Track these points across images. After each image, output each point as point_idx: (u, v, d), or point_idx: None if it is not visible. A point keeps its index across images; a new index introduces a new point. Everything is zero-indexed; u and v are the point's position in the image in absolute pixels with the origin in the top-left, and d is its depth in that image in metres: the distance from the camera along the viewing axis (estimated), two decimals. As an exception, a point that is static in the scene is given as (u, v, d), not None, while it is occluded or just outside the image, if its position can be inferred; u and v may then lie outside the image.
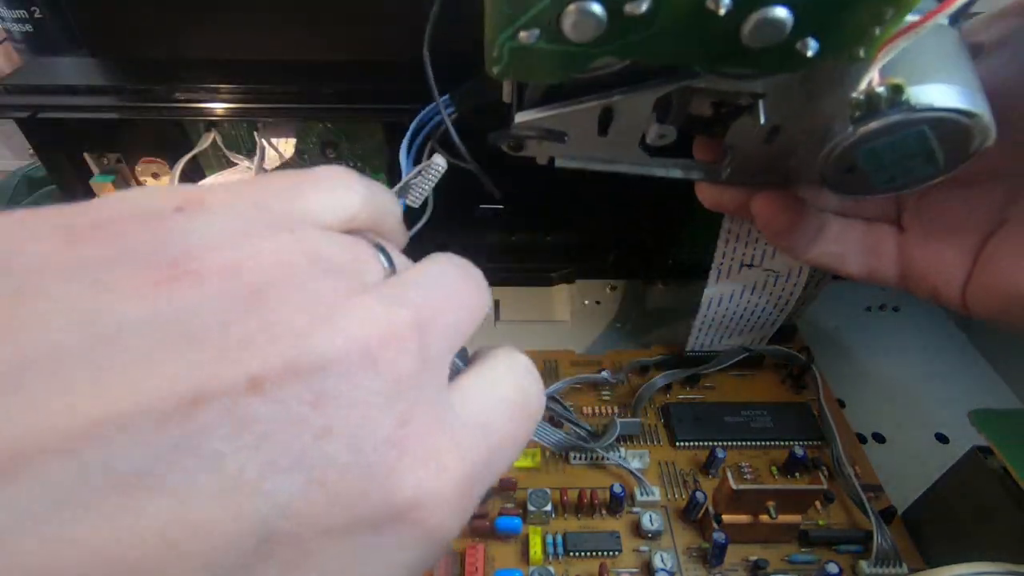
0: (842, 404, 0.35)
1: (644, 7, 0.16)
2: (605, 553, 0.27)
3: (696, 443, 0.31)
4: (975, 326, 0.41)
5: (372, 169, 0.32)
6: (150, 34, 0.30)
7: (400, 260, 0.15)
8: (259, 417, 0.10)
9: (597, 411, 0.33)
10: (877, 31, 0.16)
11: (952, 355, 0.40)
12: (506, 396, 0.15)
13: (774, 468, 0.31)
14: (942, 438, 0.34)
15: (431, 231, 0.26)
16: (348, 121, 0.30)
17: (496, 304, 0.40)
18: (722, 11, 0.16)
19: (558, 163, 0.24)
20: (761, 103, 0.22)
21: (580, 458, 0.30)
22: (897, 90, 0.16)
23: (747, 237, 0.28)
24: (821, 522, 0.28)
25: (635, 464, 0.30)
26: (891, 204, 0.26)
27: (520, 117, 0.22)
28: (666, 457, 0.31)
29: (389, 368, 0.12)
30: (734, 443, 0.31)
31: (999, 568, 0.20)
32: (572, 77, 0.19)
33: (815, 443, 0.31)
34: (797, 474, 0.30)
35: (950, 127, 0.18)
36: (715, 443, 0.31)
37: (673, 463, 0.31)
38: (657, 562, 0.26)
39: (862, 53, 0.16)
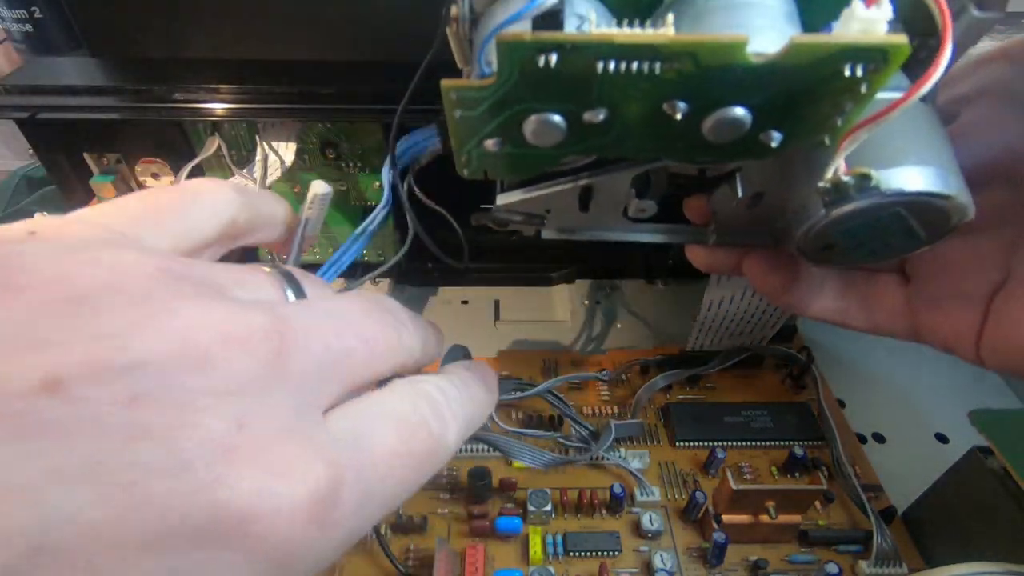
0: (842, 404, 0.35)
1: (601, 116, 0.16)
2: (605, 553, 0.27)
3: (696, 443, 0.31)
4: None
5: (372, 169, 0.32)
6: (150, 34, 0.30)
7: (315, 291, 0.15)
8: (51, 420, 0.09)
9: (597, 411, 0.33)
10: (839, 121, 0.16)
11: (952, 355, 0.40)
12: (394, 414, 0.14)
13: (774, 468, 0.31)
14: (942, 438, 0.34)
15: (434, 231, 0.26)
16: (348, 121, 0.30)
17: (496, 304, 0.40)
18: (679, 116, 0.16)
19: (544, 235, 0.24)
20: (738, 176, 0.22)
21: (580, 458, 0.30)
22: (864, 178, 0.16)
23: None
24: (821, 522, 0.28)
25: (635, 464, 0.30)
26: None
27: (501, 199, 0.22)
28: (666, 457, 0.31)
29: (224, 368, 0.11)
30: (734, 443, 0.31)
31: (999, 568, 0.20)
32: (544, 171, 0.20)
33: (815, 443, 0.31)
34: (797, 474, 0.30)
35: (924, 208, 0.17)
36: (715, 443, 0.31)
37: (673, 463, 0.31)
38: (657, 562, 0.26)
39: (827, 140, 0.16)
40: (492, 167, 0.19)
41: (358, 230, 0.23)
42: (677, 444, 0.31)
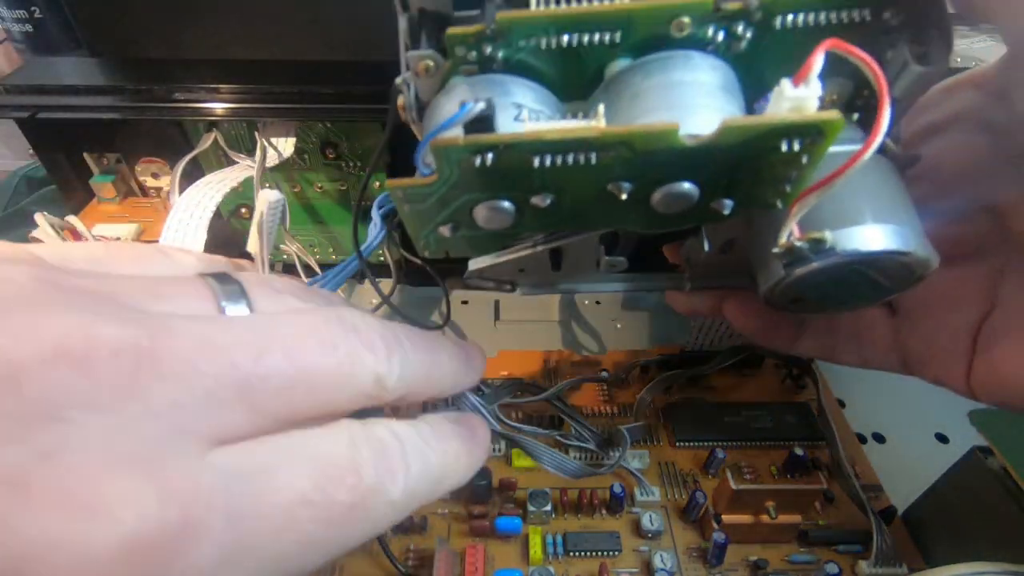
0: (842, 404, 0.35)
1: (548, 201, 0.16)
2: (605, 553, 0.27)
3: (696, 443, 0.31)
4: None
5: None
6: (150, 34, 0.30)
7: (267, 304, 0.14)
8: None
9: (597, 411, 0.33)
10: (787, 188, 0.16)
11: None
12: (320, 455, 0.12)
13: (774, 468, 0.31)
14: (942, 438, 0.34)
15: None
16: (348, 121, 0.30)
17: (496, 304, 0.40)
18: (624, 196, 0.16)
19: (520, 293, 0.24)
20: (704, 230, 0.22)
21: (580, 458, 0.30)
22: (818, 242, 0.16)
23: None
24: (821, 522, 0.28)
25: (635, 464, 0.30)
26: None
27: (473, 264, 0.22)
28: (666, 457, 0.31)
29: (37, 387, 0.09)
30: (734, 443, 0.31)
31: (999, 568, 0.20)
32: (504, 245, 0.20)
33: (815, 443, 0.31)
34: (797, 474, 0.30)
35: (885, 263, 0.17)
36: (715, 443, 0.31)
37: (673, 463, 0.31)
38: (657, 562, 0.26)
39: (779, 204, 0.16)
40: (451, 248, 0.19)
41: (354, 255, 0.23)
42: (677, 444, 0.31)
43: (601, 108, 0.15)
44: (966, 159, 0.21)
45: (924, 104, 0.22)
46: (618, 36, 0.16)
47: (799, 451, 0.29)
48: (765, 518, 0.26)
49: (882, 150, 0.18)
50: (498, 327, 0.39)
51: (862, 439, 0.34)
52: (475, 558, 0.26)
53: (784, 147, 0.14)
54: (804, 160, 0.15)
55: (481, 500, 0.29)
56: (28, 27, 0.35)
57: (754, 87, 0.17)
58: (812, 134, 0.14)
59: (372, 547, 0.27)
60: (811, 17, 0.15)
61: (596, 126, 0.14)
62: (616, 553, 0.27)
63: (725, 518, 0.27)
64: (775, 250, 0.17)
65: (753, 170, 0.15)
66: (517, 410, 0.33)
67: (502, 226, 0.17)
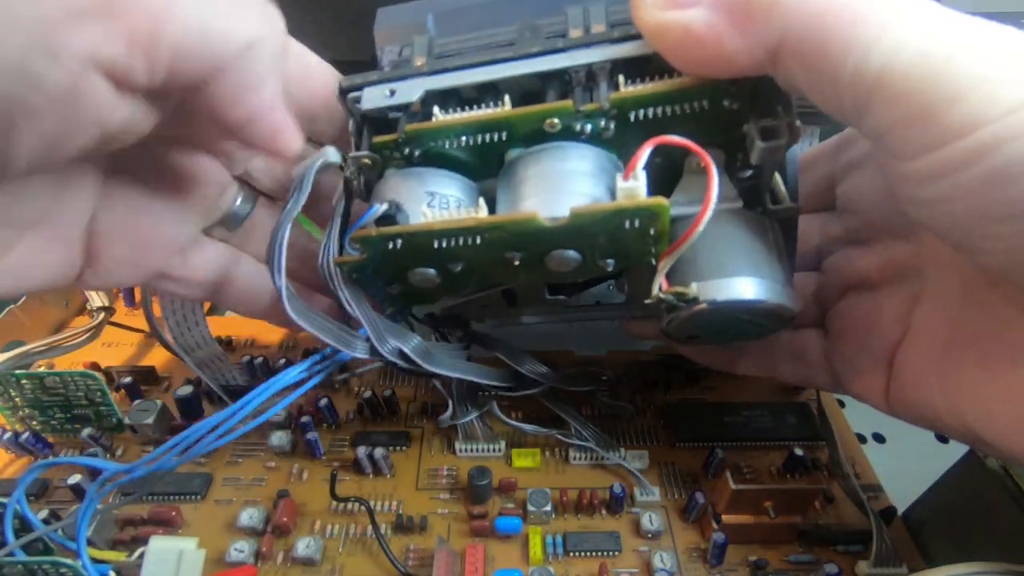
0: (842, 404, 0.35)
1: (460, 267, 0.20)
2: (605, 553, 0.27)
3: (696, 443, 0.31)
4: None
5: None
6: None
7: None
8: None
9: (597, 411, 0.33)
10: (652, 249, 0.19)
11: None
12: None
13: (774, 468, 0.31)
14: (942, 438, 0.34)
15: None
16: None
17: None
18: (517, 263, 0.19)
19: (490, 327, 0.28)
20: (614, 283, 0.26)
21: (580, 458, 0.30)
22: (682, 295, 0.19)
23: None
24: (821, 522, 0.28)
25: (635, 464, 0.30)
26: (814, 308, 0.26)
27: (438, 308, 0.27)
28: (666, 457, 0.31)
29: None
30: (734, 443, 0.31)
31: (999, 568, 0.20)
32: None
33: (815, 443, 0.31)
34: (797, 474, 0.30)
35: (751, 308, 0.19)
36: (715, 443, 0.31)
37: (673, 463, 0.31)
38: (657, 562, 0.26)
39: (653, 261, 0.19)
40: (407, 300, 0.24)
41: None
42: (677, 444, 0.31)
43: (481, 200, 0.19)
44: (875, 194, 0.22)
45: (847, 141, 0.24)
46: (505, 135, 0.19)
47: (799, 451, 0.29)
48: (765, 518, 0.27)
49: (757, 205, 0.20)
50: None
51: (862, 439, 0.34)
52: (475, 558, 0.26)
53: (627, 225, 0.18)
54: (652, 232, 0.18)
55: (481, 500, 0.29)
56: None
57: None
58: (647, 215, 0.17)
59: (372, 547, 0.27)
60: (658, 111, 0.18)
61: (474, 216, 0.18)
62: (616, 553, 0.27)
63: (725, 518, 0.27)
64: (647, 301, 0.20)
65: (616, 240, 0.18)
66: (517, 410, 0.33)
67: (433, 286, 0.21)
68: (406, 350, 0.23)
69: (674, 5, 0.16)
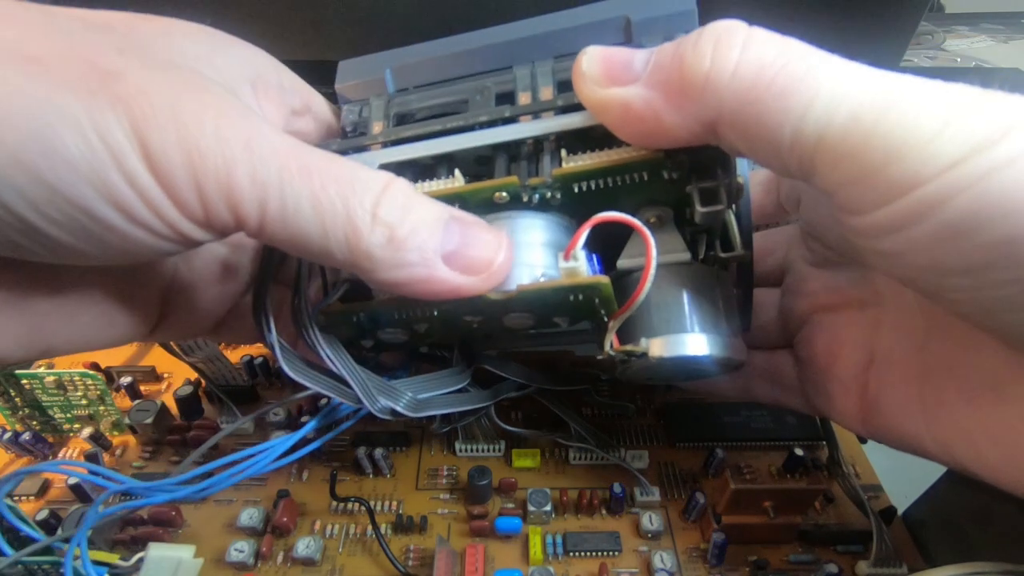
0: (842, 404, 0.35)
1: (424, 328, 0.22)
2: (605, 553, 0.27)
3: (696, 443, 0.31)
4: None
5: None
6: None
7: None
8: None
9: (597, 411, 0.33)
10: (602, 311, 0.20)
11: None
12: None
13: (774, 468, 0.31)
14: (942, 438, 0.34)
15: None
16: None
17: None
18: (475, 325, 0.21)
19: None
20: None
21: (580, 458, 0.30)
22: (631, 352, 0.20)
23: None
24: (821, 522, 0.28)
25: (635, 464, 0.30)
26: (782, 332, 0.26)
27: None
28: (666, 457, 0.31)
29: None
30: (734, 443, 0.31)
31: (999, 568, 0.20)
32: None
33: (815, 443, 0.31)
34: (797, 474, 0.30)
35: (695, 362, 0.20)
36: (715, 443, 0.31)
37: (673, 463, 0.31)
38: (657, 562, 0.26)
39: (604, 319, 0.20)
40: (381, 351, 0.26)
41: None
42: (677, 444, 0.31)
43: None
44: (831, 220, 0.22)
45: (765, 190, 0.25)
46: (457, 206, 0.19)
47: (799, 451, 0.29)
48: (765, 518, 0.26)
49: (707, 259, 0.21)
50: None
51: (862, 439, 0.34)
52: (475, 558, 0.26)
53: (572, 298, 0.19)
54: (596, 302, 0.19)
55: (481, 500, 0.29)
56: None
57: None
58: (589, 290, 0.18)
59: (372, 547, 0.27)
60: (600, 183, 0.19)
61: None
62: (616, 553, 0.27)
63: (725, 518, 0.27)
64: (599, 357, 0.21)
65: (564, 309, 0.20)
66: (517, 410, 0.33)
67: (402, 341, 0.22)
68: (398, 408, 0.23)
69: (612, 82, 0.17)
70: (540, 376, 0.30)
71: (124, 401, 0.33)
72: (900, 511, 0.29)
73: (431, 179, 0.20)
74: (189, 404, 0.32)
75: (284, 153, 0.15)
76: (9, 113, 0.13)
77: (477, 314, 0.20)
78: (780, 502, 0.26)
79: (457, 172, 0.20)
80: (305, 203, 0.15)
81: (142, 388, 0.34)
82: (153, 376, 0.35)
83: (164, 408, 0.31)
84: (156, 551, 0.25)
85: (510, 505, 0.29)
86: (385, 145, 0.21)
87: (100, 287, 0.19)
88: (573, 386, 0.31)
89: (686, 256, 0.21)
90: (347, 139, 0.21)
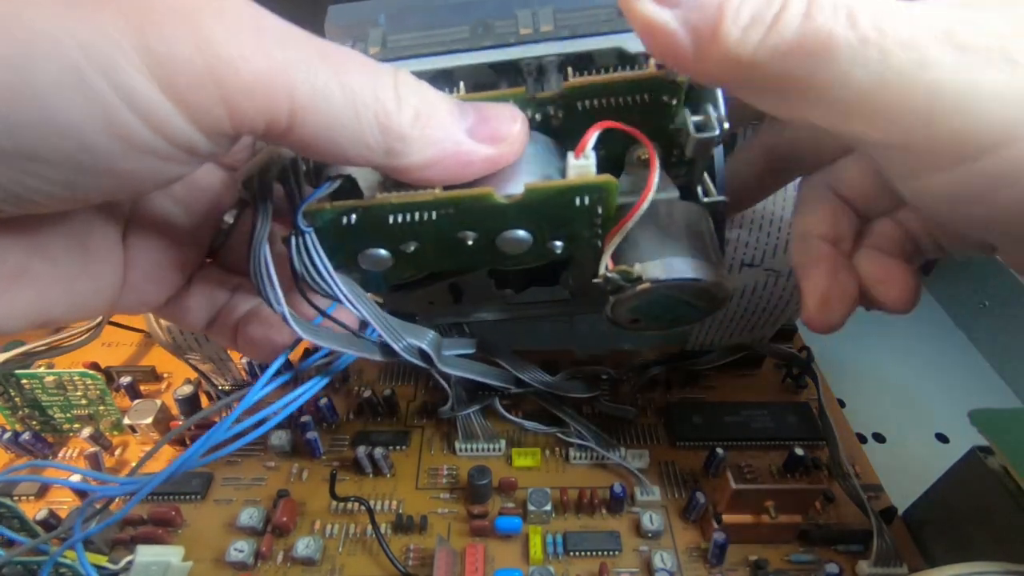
0: (842, 404, 0.35)
1: (413, 247, 0.20)
2: (605, 553, 0.27)
3: (696, 443, 0.31)
4: (975, 326, 0.41)
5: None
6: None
7: None
8: None
9: (597, 411, 0.33)
10: (599, 231, 0.20)
11: (952, 355, 0.40)
12: None
13: (774, 468, 0.31)
14: (942, 438, 0.34)
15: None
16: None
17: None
18: (470, 241, 0.20)
19: (436, 320, 0.28)
20: (566, 270, 0.26)
21: (580, 458, 0.30)
22: (626, 273, 0.20)
23: (747, 237, 0.28)
24: (821, 522, 0.28)
25: (635, 464, 0.30)
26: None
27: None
28: (666, 457, 0.31)
29: None
30: (734, 443, 0.31)
31: (999, 568, 0.20)
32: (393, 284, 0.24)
33: (815, 443, 0.31)
34: (797, 474, 0.30)
35: (688, 288, 0.20)
36: (715, 443, 0.31)
37: (673, 463, 0.31)
38: (657, 562, 0.26)
39: (599, 243, 0.20)
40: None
41: None
42: (677, 444, 0.31)
43: None
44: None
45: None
46: None
47: (799, 451, 0.29)
48: (765, 518, 0.26)
49: (692, 197, 0.21)
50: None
51: (862, 439, 0.34)
52: (475, 558, 0.26)
53: (578, 202, 0.18)
54: (599, 210, 0.19)
55: (481, 500, 0.29)
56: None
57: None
58: (597, 191, 0.18)
59: (372, 547, 0.27)
60: (604, 100, 0.19)
61: (432, 191, 0.18)
62: (616, 553, 0.27)
63: (725, 518, 0.27)
64: (595, 280, 0.20)
65: (565, 219, 0.19)
66: (517, 409, 0.33)
67: (383, 268, 0.20)
68: (424, 346, 0.23)
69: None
70: (553, 382, 0.30)
71: (124, 401, 0.33)
72: (900, 511, 0.29)
73: None
74: (189, 404, 0.32)
75: (303, 40, 0.14)
76: None
77: (474, 227, 0.19)
78: (780, 502, 0.26)
79: (461, 84, 0.20)
80: (335, 88, 0.14)
81: (142, 388, 0.34)
82: (153, 376, 0.35)
83: (164, 408, 0.31)
84: (144, 556, 0.25)
85: (510, 505, 0.29)
86: (383, 60, 0.19)
87: (65, 234, 0.18)
88: (580, 394, 0.31)
89: (675, 193, 0.21)
90: None
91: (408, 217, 0.19)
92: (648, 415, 0.33)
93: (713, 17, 0.14)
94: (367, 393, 0.32)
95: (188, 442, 0.31)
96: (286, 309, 0.19)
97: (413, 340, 0.22)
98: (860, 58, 0.13)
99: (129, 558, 0.25)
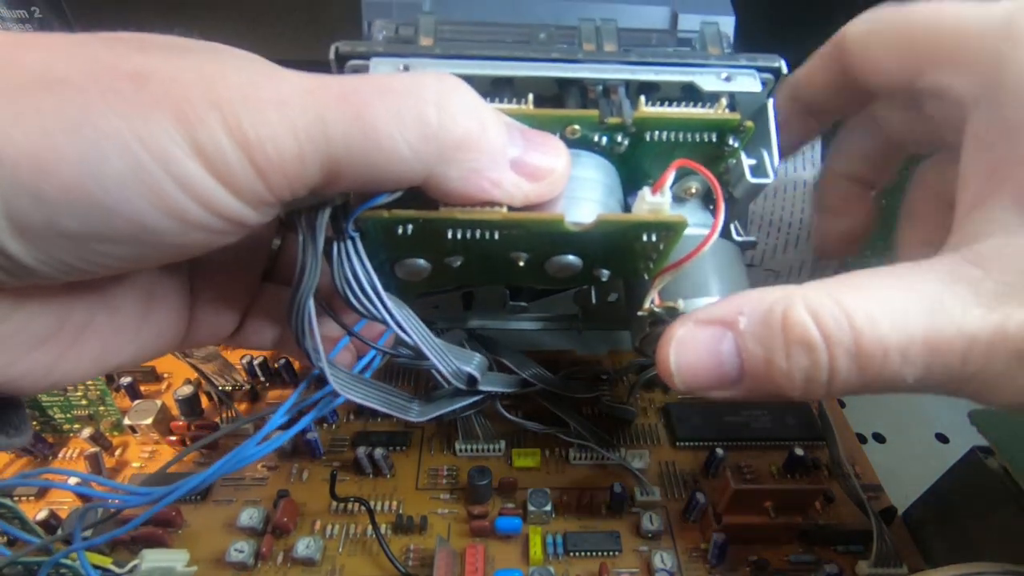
0: (842, 404, 0.35)
1: (458, 262, 0.19)
2: (605, 553, 0.27)
3: (696, 443, 0.31)
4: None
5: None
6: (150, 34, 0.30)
7: None
8: None
9: (597, 411, 0.33)
10: (651, 265, 0.20)
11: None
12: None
13: (774, 468, 0.31)
14: (942, 438, 0.34)
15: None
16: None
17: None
18: (521, 263, 0.19)
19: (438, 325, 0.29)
20: (592, 288, 0.26)
21: (580, 458, 0.30)
22: (672, 310, 0.20)
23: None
24: (821, 522, 0.28)
25: (635, 464, 0.30)
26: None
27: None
28: (666, 457, 0.31)
29: None
30: (734, 443, 0.31)
31: (999, 568, 0.20)
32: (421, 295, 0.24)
33: (815, 443, 0.31)
34: (797, 474, 0.30)
35: None
36: (715, 443, 0.31)
37: (673, 463, 0.31)
38: (657, 562, 0.26)
39: (646, 276, 0.20)
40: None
41: None
42: (677, 444, 0.31)
43: None
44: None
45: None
46: None
47: (799, 451, 0.29)
48: (765, 518, 0.26)
49: (727, 236, 0.22)
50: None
51: (862, 439, 0.34)
52: (475, 558, 0.26)
53: (644, 238, 0.18)
54: (661, 247, 0.19)
55: (481, 500, 0.29)
56: (28, 27, 0.35)
57: (631, 179, 0.21)
58: (666, 230, 0.18)
59: (372, 547, 0.27)
60: (672, 135, 0.19)
61: (500, 211, 0.17)
62: (616, 553, 0.27)
63: (725, 518, 0.27)
64: (639, 313, 0.21)
65: (623, 251, 0.19)
66: (517, 410, 0.33)
67: (418, 279, 0.20)
68: (472, 371, 0.22)
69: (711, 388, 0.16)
70: (555, 380, 0.30)
71: (124, 401, 0.33)
72: (900, 511, 0.29)
73: (494, 99, 0.19)
74: (189, 404, 0.32)
75: (324, 93, 0.14)
76: (54, 142, 0.12)
77: (530, 250, 0.19)
78: (780, 502, 0.26)
79: (531, 96, 0.19)
80: (357, 134, 0.14)
81: (142, 388, 0.34)
82: (153, 376, 0.35)
83: (164, 408, 0.31)
84: (150, 561, 0.25)
85: (510, 505, 0.29)
86: (438, 58, 0.19)
87: (133, 290, 0.19)
88: (582, 394, 0.31)
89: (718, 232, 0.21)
90: (392, 44, 0.19)
91: (468, 234, 0.18)
92: (648, 415, 0.33)
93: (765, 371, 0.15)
94: (367, 393, 0.32)
95: (188, 442, 0.31)
96: (326, 366, 0.19)
97: (462, 365, 0.22)
98: None
99: (135, 562, 0.24)
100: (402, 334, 0.19)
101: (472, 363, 0.22)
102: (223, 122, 0.13)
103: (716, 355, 0.16)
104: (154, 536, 0.27)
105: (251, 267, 0.23)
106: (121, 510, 0.23)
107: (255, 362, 0.33)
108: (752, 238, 0.22)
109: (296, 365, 0.33)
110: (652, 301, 0.20)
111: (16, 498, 0.29)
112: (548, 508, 0.28)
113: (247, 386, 0.33)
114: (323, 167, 0.14)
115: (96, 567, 0.24)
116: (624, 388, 0.34)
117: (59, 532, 0.26)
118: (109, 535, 0.22)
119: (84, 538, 0.23)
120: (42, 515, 0.26)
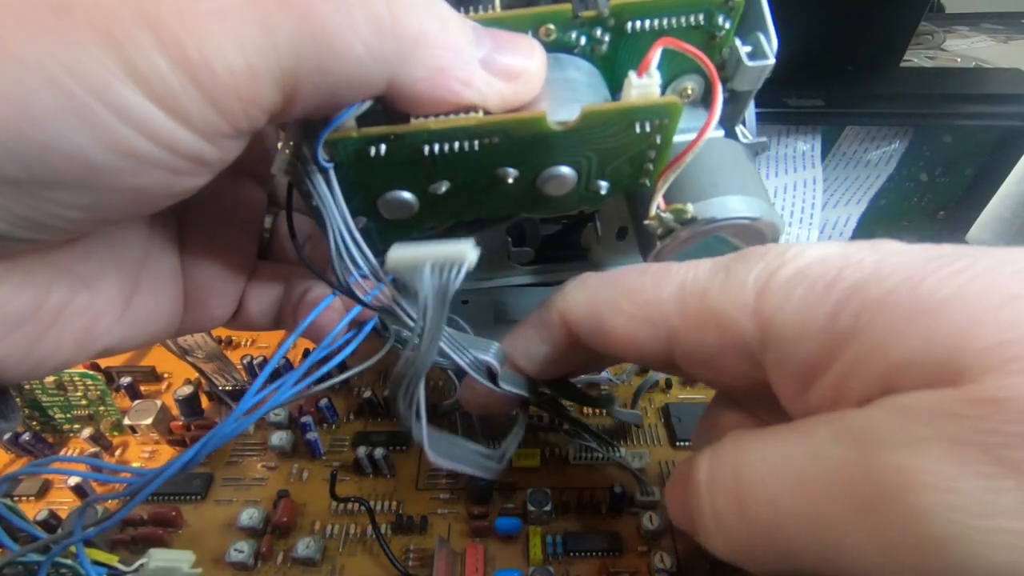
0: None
1: (444, 188, 0.18)
2: (605, 553, 0.27)
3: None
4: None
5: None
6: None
7: None
8: None
9: (597, 411, 0.33)
10: (650, 167, 0.18)
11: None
12: None
13: (774, 468, 0.30)
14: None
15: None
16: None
17: (496, 305, 0.40)
18: (511, 180, 0.18)
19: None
20: (597, 218, 0.24)
21: (580, 458, 0.30)
22: (681, 212, 0.19)
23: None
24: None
25: (635, 464, 0.30)
26: None
27: (392, 253, 0.24)
28: (666, 457, 0.31)
29: None
30: (734, 443, 0.31)
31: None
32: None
33: (815, 443, 0.31)
34: (797, 474, 0.30)
35: (741, 229, 0.19)
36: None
37: (673, 463, 0.31)
38: (657, 562, 0.26)
39: (647, 183, 0.19)
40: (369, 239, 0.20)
41: None
42: (677, 444, 0.31)
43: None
44: None
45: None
46: None
47: (799, 451, 0.29)
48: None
49: (733, 136, 0.21)
50: (498, 327, 0.39)
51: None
52: (475, 558, 0.26)
53: (638, 128, 0.17)
54: (658, 140, 0.17)
55: (481, 500, 0.29)
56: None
57: (619, 85, 0.18)
58: (660, 116, 0.16)
59: (372, 547, 0.27)
60: (656, 22, 0.18)
61: (475, 116, 0.15)
62: (616, 553, 0.27)
63: (725, 518, 0.27)
64: (646, 221, 0.19)
65: (617, 153, 0.17)
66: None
67: (406, 216, 0.18)
68: (490, 359, 0.21)
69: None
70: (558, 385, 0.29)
71: (124, 401, 0.33)
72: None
73: (461, 8, 0.17)
74: (189, 404, 0.32)
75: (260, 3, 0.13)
76: None
77: (518, 162, 0.17)
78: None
79: (496, 1, 0.18)
80: (309, 40, 0.13)
81: (142, 388, 0.34)
82: (153, 376, 0.35)
83: (164, 408, 0.31)
84: (157, 560, 0.24)
85: (510, 505, 0.29)
86: None
87: (119, 266, 0.18)
88: (593, 405, 0.31)
89: (721, 132, 0.20)
90: None
91: (446, 147, 0.16)
92: (648, 415, 0.33)
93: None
94: (367, 393, 0.32)
95: (188, 442, 0.31)
96: (425, 434, 0.18)
97: (480, 354, 0.20)
98: None
99: (142, 560, 0.24)
100: (406, 314, 0.18)
101: (490, 351, 0.21)
102: (158, 40, 0.12)
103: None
104: (154, 536, 0.27)
105: (244, 244, 0.22)
106: (121, 503, 0.23)
107: (255, 362, 0.33)
108: (763, 139, 0.20)
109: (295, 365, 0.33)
110: (658, 207, 0.19)
111: (16, 498, 0.29)
112: (548, 508, 0.28)
113: (247, 386, 0.33)
114: (276, 82, 0.13)
115: (102, 564, 0.24)
116: (624, 389, 0.34)
117: (59, 532, 0.26)
118: (110, 522, 0.22)
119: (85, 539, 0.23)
120: (42, 515, 0.26)
